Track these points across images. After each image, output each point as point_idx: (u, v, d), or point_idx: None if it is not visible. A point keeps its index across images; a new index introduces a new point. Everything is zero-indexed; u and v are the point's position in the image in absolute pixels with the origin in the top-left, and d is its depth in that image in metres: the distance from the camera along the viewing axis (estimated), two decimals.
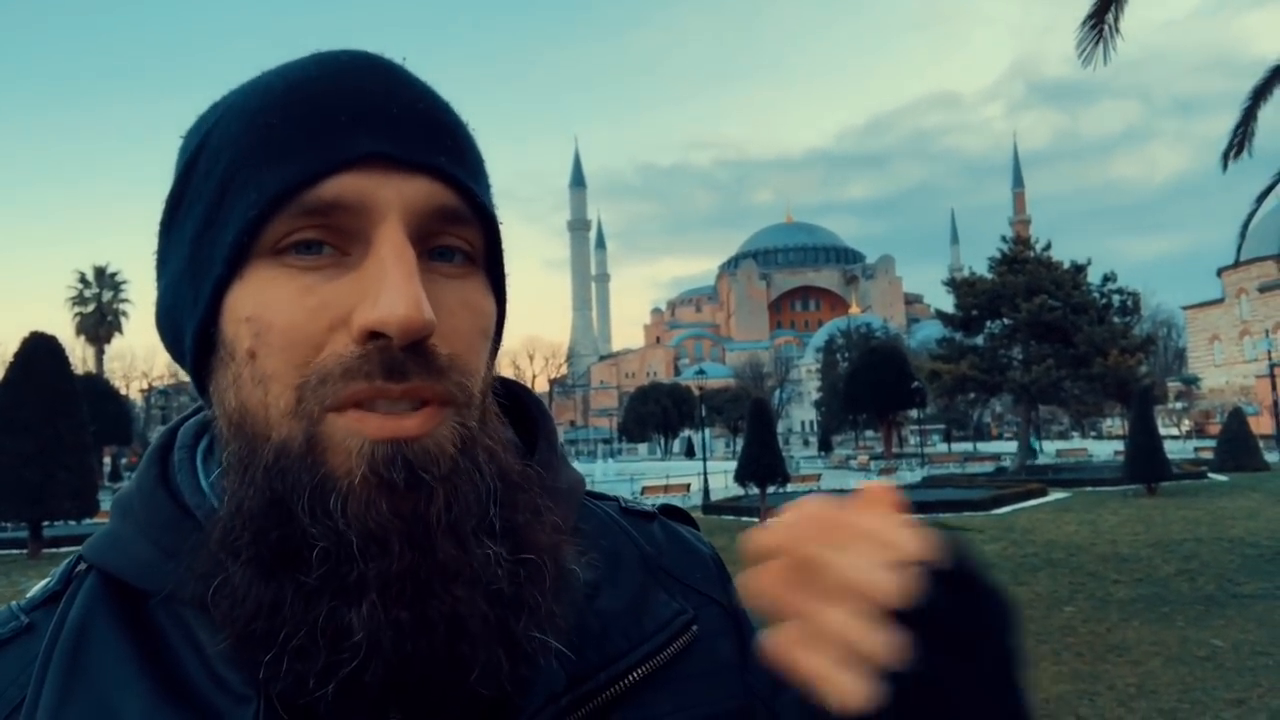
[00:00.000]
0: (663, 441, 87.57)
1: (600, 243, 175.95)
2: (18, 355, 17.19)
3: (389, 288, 0.48)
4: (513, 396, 0.66)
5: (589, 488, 0.70)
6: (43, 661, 0.54)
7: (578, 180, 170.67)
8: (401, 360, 0.49)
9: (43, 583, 0.61)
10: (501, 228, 0.58)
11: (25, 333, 17.46)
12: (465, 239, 0.55)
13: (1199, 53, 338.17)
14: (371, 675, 0.48)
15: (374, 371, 0.49)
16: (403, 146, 0.52)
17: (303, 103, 0.52)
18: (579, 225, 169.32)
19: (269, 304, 0.50)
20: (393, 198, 0.51)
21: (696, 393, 45.38)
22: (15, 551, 17.77)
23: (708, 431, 46.23)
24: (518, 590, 0.52)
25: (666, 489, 26.83)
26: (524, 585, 0.52)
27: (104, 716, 0.50)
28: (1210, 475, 27.96)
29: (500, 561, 0.51)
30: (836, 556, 0.42)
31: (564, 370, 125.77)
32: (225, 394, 0.53)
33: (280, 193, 0.50)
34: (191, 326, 0.54)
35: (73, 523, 17.43)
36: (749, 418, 20.16)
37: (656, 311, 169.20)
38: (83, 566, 0.59)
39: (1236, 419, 32.66)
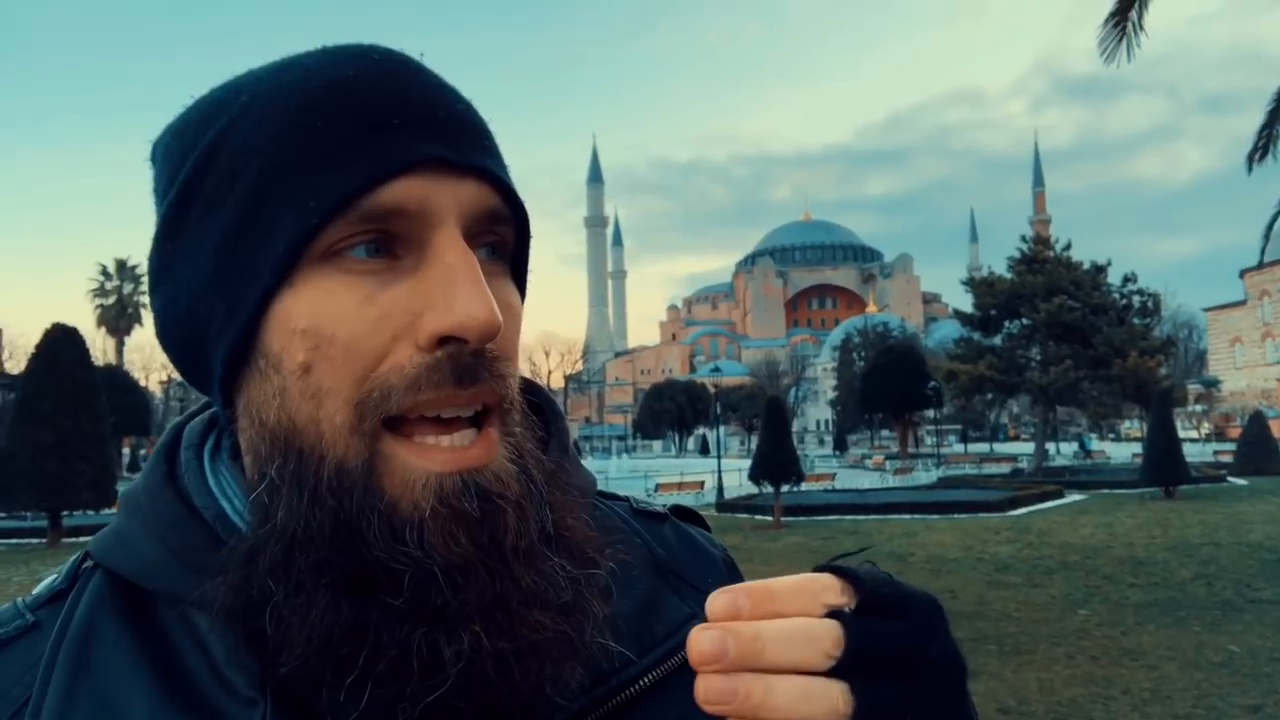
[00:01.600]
0: (677, 439, 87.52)
1: (617, 239, 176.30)
2: (40, 346, 17.39)
3: (463, 293, 0.48)
4: (526, 394, 0.65)
5: (602, 485, 0.70)
6: (48, 661, 0.53)
7: (595, 176, 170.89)
8: (472, 365, 0.49)
9: (48, 580, 0.60)
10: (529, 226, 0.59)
11: (47, 324, 17.70)
12: (504, 238, 0.55)
13: (1228, 48, 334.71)
14: (466, 701, 0.48)
15: (444, 380, 0.49)
16: (455, 150, 0.51)
17: (349, 105, 0.50)
18: (596, 222, 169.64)
19: (329, 316, 0.49)
20: (449, 202, 0.50)
21: (712, 390, 45.23)
22: (35, 541, 17.97)
23: (722, 429, 46.13)
24: (580, 599, 0.52)
25: (681, 486, 26.82)
26: (584, 592, 0.52)
27: (109, 718, 0.50)
28: (1229, 479, 27.77)
29: (563, 572, 0.52)
30: (769, 631, 0.40)
31: (579, 366, 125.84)
32: (263, 407, 0.51)
33: (342, 199, 0.48)
34: (229, 339, 0.52)
35: (91, 513, 17.59)
36: (764, 416, 20.02)
37: (673, 308, 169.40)
38: (89, 564, 0.58)
39: (1257, 422, 32.43)
